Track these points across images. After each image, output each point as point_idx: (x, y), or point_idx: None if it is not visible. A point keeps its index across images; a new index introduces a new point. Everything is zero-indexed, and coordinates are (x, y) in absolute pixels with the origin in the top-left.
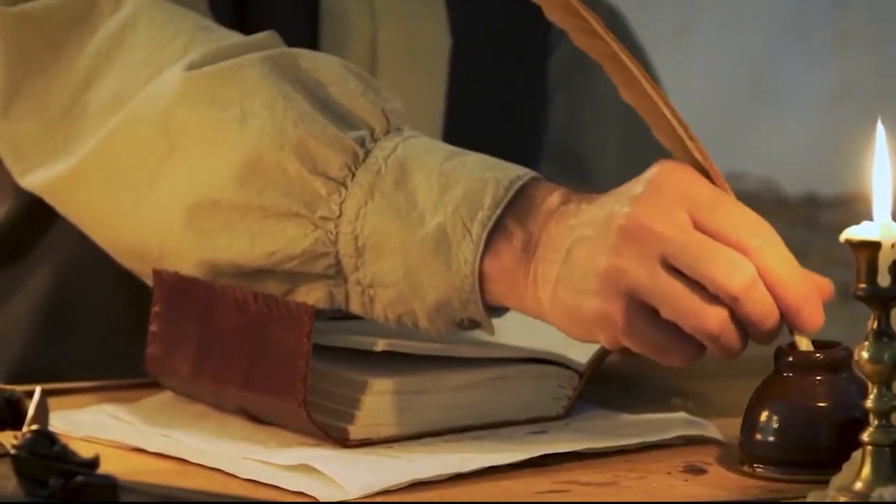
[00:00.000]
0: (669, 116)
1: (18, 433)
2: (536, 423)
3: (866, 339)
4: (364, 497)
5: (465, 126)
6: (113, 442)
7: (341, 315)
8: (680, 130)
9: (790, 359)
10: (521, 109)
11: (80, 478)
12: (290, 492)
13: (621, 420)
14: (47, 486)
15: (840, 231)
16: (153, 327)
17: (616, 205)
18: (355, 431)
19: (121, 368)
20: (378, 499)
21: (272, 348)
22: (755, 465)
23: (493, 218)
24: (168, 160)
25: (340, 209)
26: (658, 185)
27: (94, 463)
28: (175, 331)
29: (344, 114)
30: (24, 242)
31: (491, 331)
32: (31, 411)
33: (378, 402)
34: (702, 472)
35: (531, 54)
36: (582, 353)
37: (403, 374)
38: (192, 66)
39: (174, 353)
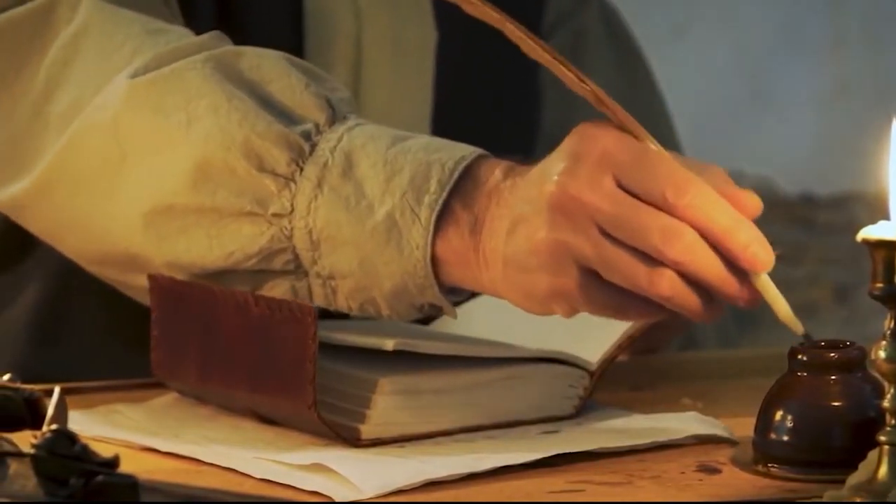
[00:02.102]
0: (573, 77)
1: (38, 433)
2: (547, 422)
3: (883, 339)
4: (378, 497)
5: (453, 122)
6: (124, 442)
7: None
8: (586, 89)
9: (804, 358)
10: (511, 105)
11: (100, 477)
12: (304, 491)
13: (633, 420)
14: (68, 485)
15: (837, 231)
16: (155, 332)
17: (544, 179)
18: (367, 431)
19: (117, 373)
20: (392, 498)
21: (278, 351)
22: (769, 465)
23: (440, 201)
24: (122, 168)
25: (292, 205)
26: (579, 152)
27: (114, 462)
28: (177, 335)
29: (288, 109)
30: (19, 249)
31: (453, 314)
32: (50, 411)
33: (390, 401)
34: (716, 471)
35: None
36: (592, 353)
37: (415, 374)
38: (136, 74)
39: (179, 357)
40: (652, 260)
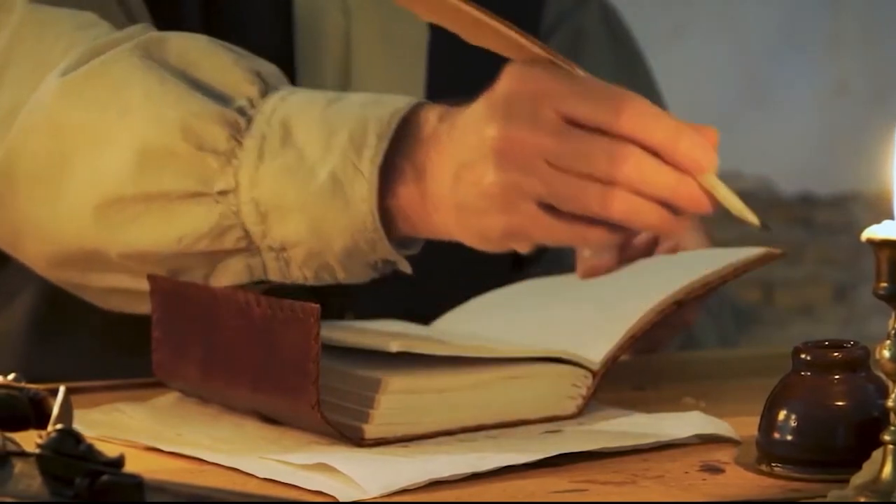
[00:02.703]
0: (494, 23)
1: (43, 432)
2: (550, 422)
3: (887, 338)
4: (382, 496)
5: None
6: (127, 441)
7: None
8: (510, 33)
9: (808, 358)
10: None
11: (105, 477)
12: (308, 491)
13: (636, 419)
14: (73, 485)
15: (836, 231)
16: (156, 333)
17: (483, 124)
18: (370, 431)
19: (116, 373)
20: (396, 498)
21: (280, 351)
22: (773, 465)
23: (381, 153)
24: (65, 166)
25: (236, 180)
26: (515, 92)
27: (119, 462)
28: (179, 336)
29: (219, 87)
30: None
31: (406, 268)
32: (55, 410)
33: (394, 401)
34: (719, 471)
35: None
36: (595, 352)
37: (418, 373)
38: (66, 71)
39: (181, 357)
40: (603, 183)
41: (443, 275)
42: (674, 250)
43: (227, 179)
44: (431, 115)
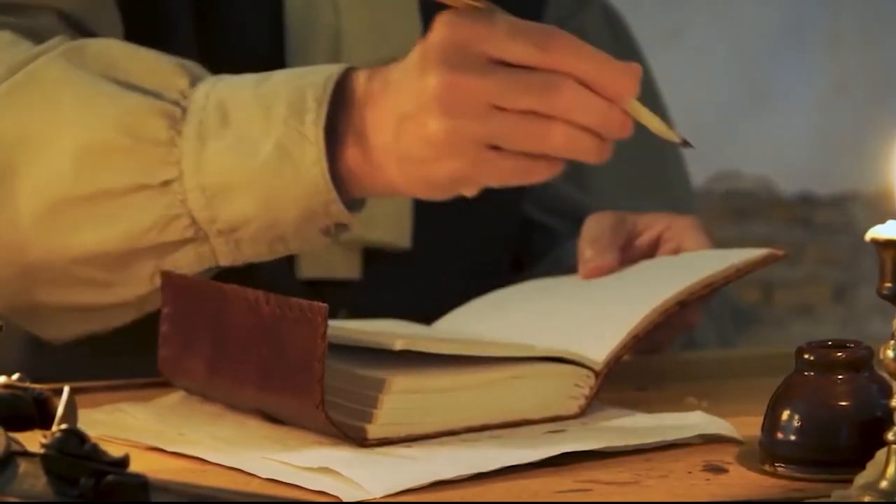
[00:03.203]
0: None
1: (47, 432)
2: (553, 421)
3: (891, 338)
4: (386, 497)
5: None
6: (129, 441)
7: None
8: None
9: (811, 358)
10: None
11: (110, 477)
12: (312, 491)
13: (639, 419)
14: (78, 485)
15: (836, 231)
16: (164, 329)
17: (420, 75)
18: (374, 431)
19: (114, 374)
20: (400, 498)
21: (287, 349)
22: (776, 465)
23: (323, 116)
24: (7, 178)
25: (179, 169)
26: (448, 41)
27: (124, 462)
28: (187, 332)
29: (148, 83)
30: None
31: (356, 228)
32: (60, 410)
33: (397, 401)
34: (722, 471)
35: None
36: (597, 352)
37: (422, 373)
38: None
39: (187, 354)
40: (542, 117)
41: (442, 275)
42: (676, 251)
43: (170, 169)
44: (361, 77)
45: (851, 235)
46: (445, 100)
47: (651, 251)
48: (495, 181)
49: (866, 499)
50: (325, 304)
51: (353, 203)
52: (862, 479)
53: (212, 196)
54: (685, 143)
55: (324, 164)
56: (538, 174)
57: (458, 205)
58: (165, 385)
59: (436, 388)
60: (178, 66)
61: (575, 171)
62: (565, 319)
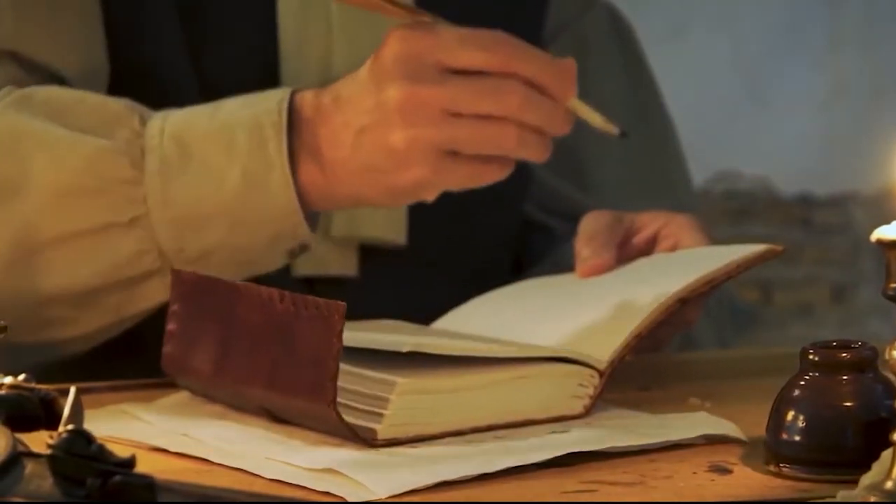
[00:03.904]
0: None
1: (53, 432)
2: (558, 421)
3: None
4: (391, 497)
5: None
6: (133, 442)
7: None
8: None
9: (816, 358)
10: None
11: (117, 477)
12: (317, 491)
13: (642, 419)
14: (84, 485)
15: (834, 231)
16: (171, 326)
17: (378, 88)
18: (383, 431)
19: (112, 376)
20: (405, 499)
21: (299, 347)
22: (781, 465)
23: (284, 141)
24: None
25: (146, 205)
26: (402, 54)
27: (130, 462)
28: (194, 330)
29: (100, 124)
30: None
31: (315, 244)
32: (66, 411)
33: (406, 401)
34: (727, 471)
35: None
36: (601, 351)
37: (431, 374)
38: None
39: (193, 352)
40: (495, 120)
41: (442, 274)
42: (673, 248)
43: (137, 206)
44: (307, 96)
45: (850, 236)
46: (406, 110)
47: (648, 249)
48: (455, 185)
49: (872, 499)
50: (342, 303)
51: (311, 220)
52: (867, 479)
53: (182, 228)
54: (623, 134)
55: (292, 189)
56: (493, 175)
57: (458, 204)
58: (168, 385)
59: (444, 388)
60: (126, 106)
61: (576, 172)
62: (567, 319)
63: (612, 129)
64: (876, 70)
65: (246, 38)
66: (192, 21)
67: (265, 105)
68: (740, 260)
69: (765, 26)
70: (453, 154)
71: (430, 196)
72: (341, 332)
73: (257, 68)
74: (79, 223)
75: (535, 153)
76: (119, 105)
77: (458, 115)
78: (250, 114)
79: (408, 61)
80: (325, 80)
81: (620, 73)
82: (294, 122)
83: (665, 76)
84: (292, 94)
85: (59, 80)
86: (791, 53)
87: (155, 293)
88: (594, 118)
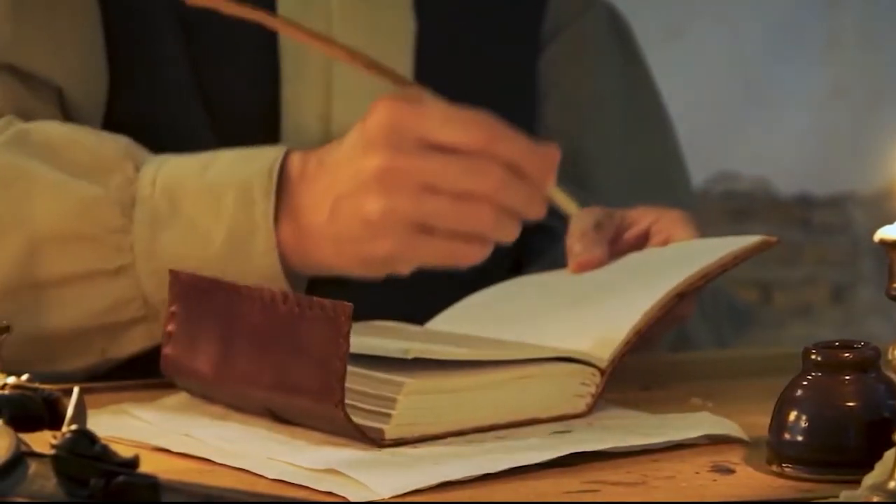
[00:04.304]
0: (342, 52)
1: (57, 433)
2: (560, 420)
3: None
4: (394, 497)
5: None
6: (134, 442)
7: None
8: (385, 71)
9: (818, 358)
10: (503, 97)
11: (121, 477)
12: (319, 491)
13: (645, 419)
14: (88, 485)
15: (833, 231)
16: (170, 327)
17: (359, 157)
18: (391, 431)
19: (111, 377)
20: (408, 498)
21: (305, 349)
22: (784, 465)
23: (271, 207)
24: None
25: (133, 255)
26: (387, 125)
27: (134, 463)
28: (194, 331)
29: (94, 168)
30: None
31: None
32: (69, 411)
33: (413, 401)
34: (730, 472)
35: (517, 47)
36: (601, 350)
37: (437, 374)
38: None
39: (194, 353)
40: (472, 200)
41: (441, 275)
42: (665, 243)
43: (124, 255)
44: (296, 159)
45: (850, 236)
46: (383, 181)
47: (639, 244)
48: (429, 262)
49: (875, 499)
50: (349, 304)
51: (295, 280)
52: (870, 479)
53: (167, 280)
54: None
55: (274, 254)
56: (470, 256)
57: None
58: (168, 386)
59: (449, 388)
60: (122, 151)
61: (577, 171)
62: (565, 318)
63: (574, 210)
64: (875, 71)
65: (248, 54)
66: (194, 36)
67: (257, 166)
68: (737, 251)
69: (763, 26)
70: (428, 230)
71: (403, 269)
72: (348, 332)
73: (258, 85)
74: (66, 268)
75: (509, 235)
76: (115, 148)
77: (435, 191)
78: (241, 174)
79: (391, 132)
80: (324, 82)
81: (620, 72)
82: (283, 184)
83: (663, 76)
84: (285, 156)
85: (58, 91)
86: (790, 54)
87: (140, 339)
88: (570, 207)
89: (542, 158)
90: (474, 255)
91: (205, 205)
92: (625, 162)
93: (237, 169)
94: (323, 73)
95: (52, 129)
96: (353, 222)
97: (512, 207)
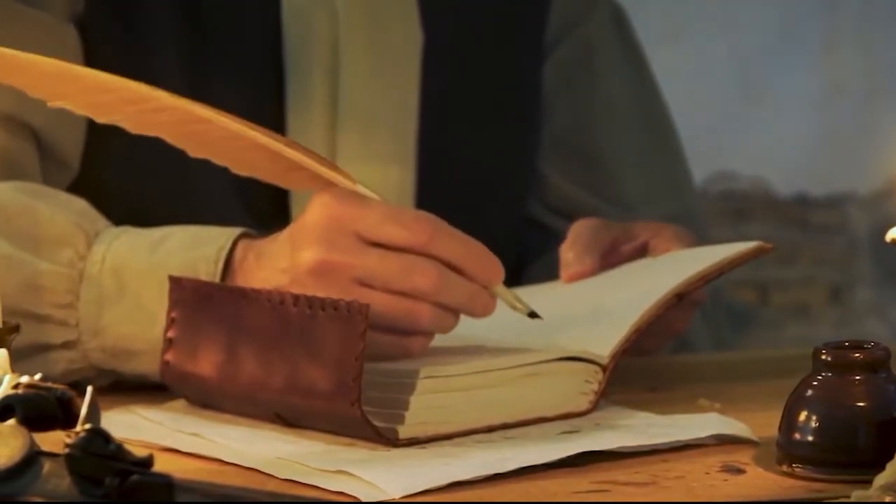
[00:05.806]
0: (309, 163)
1: (71, 432)
2: (566, 418)
3: None
4: (405, 497)
5: (443, 123)
6: (144, 442)
7: None
8: (310, 162)
9: (828, 358)
10: (510, 109)
11: (135, 477)
12: (330, 491)
13: (653, 420)
14: (103, 485)
15: (831, 231)
16: (170, 334)
17: (295, 251)
18: (405, 431)
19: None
20: (417, 498)
21: (318, 349)
22: (794, 466)
23: None
24: None
25: (78, 331)
26: (324, 220)
27: (148, 462)
28: (197, 337)
29: (46, 239)
30: None
31: None
32: (83, 410)
33: (425, 401)
34: (740, 472)
35: (522, 51)
36: (602, 347)
37: (446, 374)
38: None
39: (195, 359)
40: (410, 298)
41: None
42: (663, 252)
43: (69, 331)
44: (241, 247)
45: (848, 236)
46: (318, 275)
47: (637, 258)
48: (368, 357)
49: (887, 499)
50: (367, 304)
51: None
52: (881, 479)
53: (112, 357)
54: (533, 315)
55: None
56: (399, 353)
57: (461, 203)
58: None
59: (460, 387)
60: (74, 224)
61: (584, 167)
62: (565, 318)
63: (526, 310)
64: (873, 71)
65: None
66: (192, 56)
67: (205, 251)
68: (732, 256)
69: (761, 26)
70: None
71: None
72: (365, 332)
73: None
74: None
75: (448, 329)
76: (67, 222)
77: (371, 287)
78: (188, 258)
79: (327, 228)
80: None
81: (625, 70)
82: (226, 272)
83: (662, 77)
84: (234, 242)
85: (35, 133)
86: (787, 53)
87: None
88: (517, 305)
89: (488, 259)
90: (415, 349)
91: (150, 284)
92: (635, 162)
93: (184, 253)
94: (329, 56)
95: (7, 198)
96: None
97: (451, 306)
